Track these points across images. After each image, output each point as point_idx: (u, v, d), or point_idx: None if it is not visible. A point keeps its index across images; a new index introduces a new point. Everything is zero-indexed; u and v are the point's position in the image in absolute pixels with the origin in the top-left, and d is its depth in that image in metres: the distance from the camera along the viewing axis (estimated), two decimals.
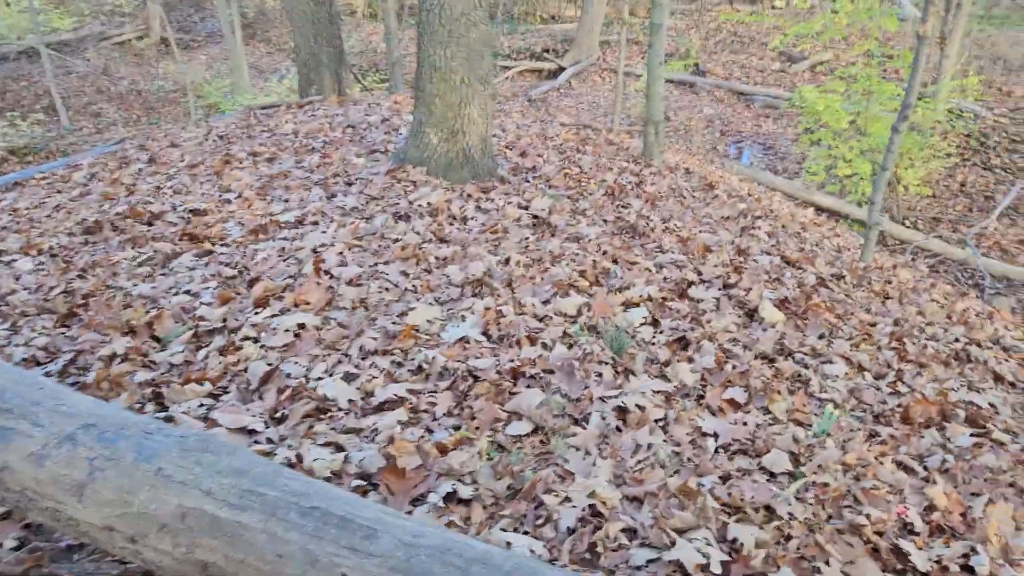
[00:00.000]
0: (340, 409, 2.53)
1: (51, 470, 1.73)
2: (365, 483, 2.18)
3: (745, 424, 2.81)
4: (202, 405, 2.48)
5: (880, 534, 2.29)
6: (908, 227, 10.29)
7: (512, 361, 2.90)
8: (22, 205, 4.86)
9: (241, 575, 1.62)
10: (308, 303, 3.19)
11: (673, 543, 2.08)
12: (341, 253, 3.69)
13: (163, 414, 2.42)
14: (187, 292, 3.27)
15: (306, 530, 1.62)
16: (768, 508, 2.31)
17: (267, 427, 2.39)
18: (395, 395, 2.59)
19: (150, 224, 4.06)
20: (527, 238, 4.16)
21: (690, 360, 3.19)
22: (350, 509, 1.67)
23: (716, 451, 2.61)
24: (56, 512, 1.75)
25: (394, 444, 2.29)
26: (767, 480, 2.50)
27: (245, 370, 2.69)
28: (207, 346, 2.86)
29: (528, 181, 5.31)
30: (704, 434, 2.70)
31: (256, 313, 3.08)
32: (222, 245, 3.79)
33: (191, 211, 4.20)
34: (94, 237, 3.94)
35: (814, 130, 10.76)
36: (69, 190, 5.19)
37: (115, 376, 2.54)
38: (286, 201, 4.42)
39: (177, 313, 3.07)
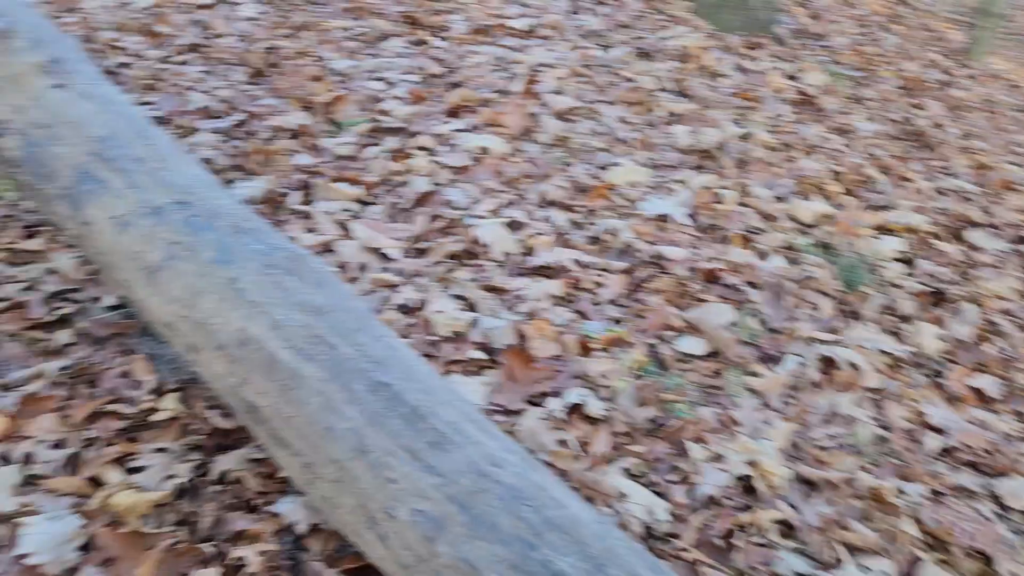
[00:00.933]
0: (492, 260, 2.14)
1: (128, 242, 1.48)
2: (486, 356, 1.81)
3: (987, 428, 2.13)
4: (347, 210, 2.18)
5: None
6: None
7: (713, 260, 2.35)
8: None
9: (285, 434, 1.32)
10: (504, 126, 2.76)
11: (838, 562, 1.57)
12: (562, 79, 3.19)
13: (303, 207, 2.15)
14: (383, 80, 2.94)
15: (367, 409, 1.26)
16: (986, 557, 1.70)
17: (403, 256, 2.05)
18: (558, 262, 2.15)
19: None
20: (783, 115, 3.42)
21: (940, 322, 2.47)
22: (428, 400, 1.29)
23: (938, 454, 1.98)
24: (128, 287, 1.52)
25: (533, 322, 1.88)
26: (996, 514, 1.87)
27: (405, 184, 2.35)
28: (379, 145, 2.53)
29: (809, 48, 4.41)
30: (928, 426, 2.06)
31: (444, 123, 2.71)
32: (440, 38, 3.40)
33: None
34: None
35: None
36: None
37: (271, 151, 2.29)
38: (525, 6, 3.91)
39: (363, 100, 2.76)
